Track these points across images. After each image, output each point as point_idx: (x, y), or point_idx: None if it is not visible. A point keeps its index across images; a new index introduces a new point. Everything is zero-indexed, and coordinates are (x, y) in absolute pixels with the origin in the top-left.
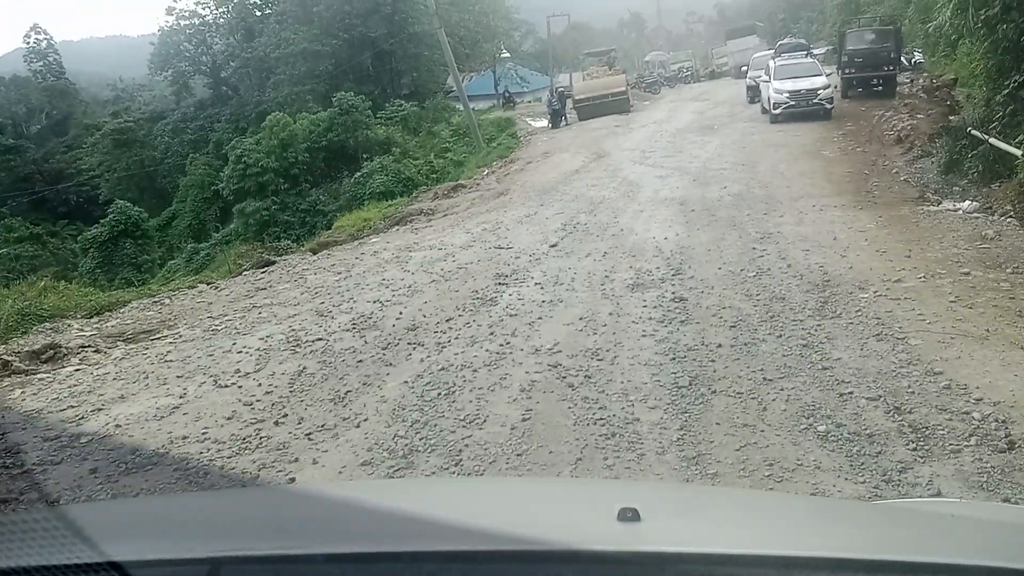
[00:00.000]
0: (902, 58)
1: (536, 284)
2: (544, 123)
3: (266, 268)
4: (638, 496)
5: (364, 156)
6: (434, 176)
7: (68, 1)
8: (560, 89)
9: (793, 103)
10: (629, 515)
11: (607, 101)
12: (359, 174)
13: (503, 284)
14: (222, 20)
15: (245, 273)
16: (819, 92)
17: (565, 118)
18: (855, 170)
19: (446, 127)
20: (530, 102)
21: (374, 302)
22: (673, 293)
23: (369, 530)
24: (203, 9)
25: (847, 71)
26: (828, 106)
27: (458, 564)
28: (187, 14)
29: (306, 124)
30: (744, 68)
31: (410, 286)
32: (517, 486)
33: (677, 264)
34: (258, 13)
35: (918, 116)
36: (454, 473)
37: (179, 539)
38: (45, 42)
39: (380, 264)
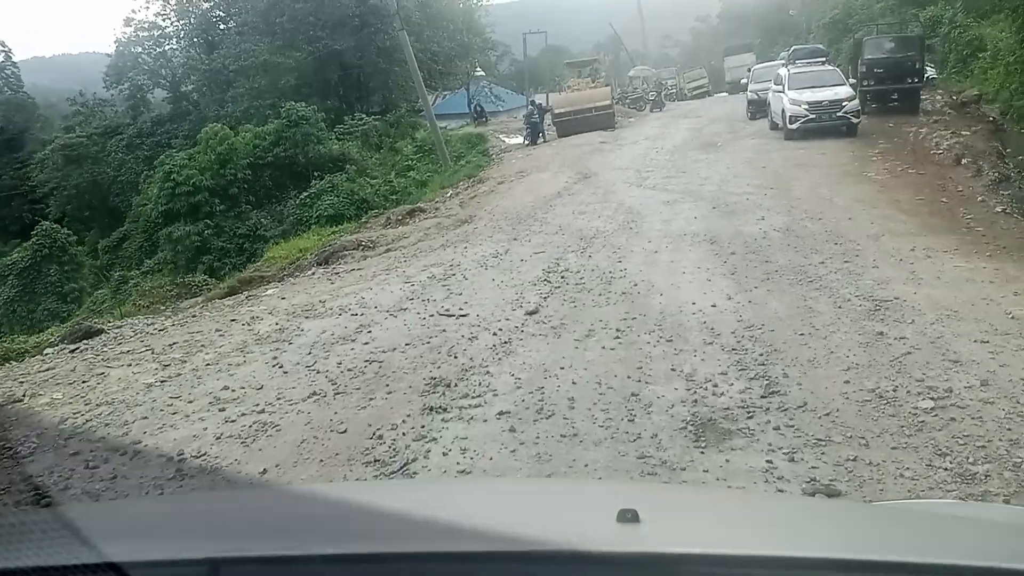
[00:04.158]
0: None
1: (501, 415)
2: (519, 140)
3: (80, 344)
4: (637, 497)
5: (315, 174)
6: (394, 197)
7: (42, 17)
8: (539, 102)
9: (813, 116)
10: (628, 516)
11: (590, 116)
12: (305, 195)
13: (439, 410)
14: (183, 32)
15: (48, 351)
16: (844, 104)
17: (543, 134)
18: (926, 197)
19: (410, 143)
20: (504, 120)
21: (168, 461)
22: (794, 462)
23: (369, 530)
24: (163, 20)
25: (866, 83)
26: (854, 120)
27: (458, 564)
28: (146, 25)
29: (249, 138)
30: (744, 81)
31: (263, 410)
32: (517, 487)
33: (757, 365)
34: (222, 27)
35: (963, 133)
36: None
37: (177, 539)
38: (2, 55)
39: (244, 346)
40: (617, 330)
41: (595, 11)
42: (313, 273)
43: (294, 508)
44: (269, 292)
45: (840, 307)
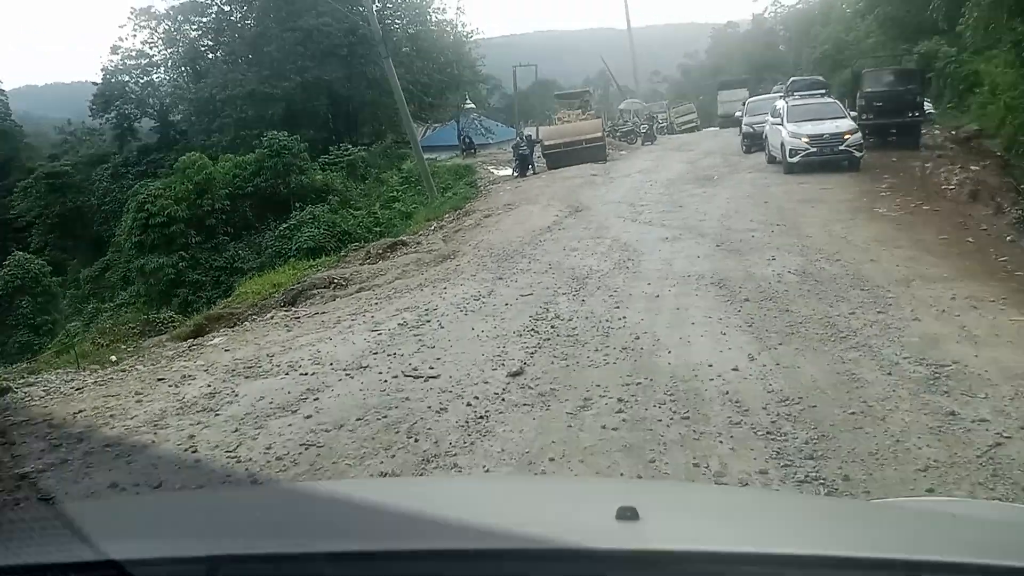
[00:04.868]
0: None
1: None
2: (508, 172)
3: None
4: (637, 495)
5: (297, 204)
6: (377, 229)
7: (36, 47)
8: (528, 133)
9: (814, 150)
10: (628, 514)
11: (581, 148)
12: (284, 226)
13: None
14: (170, 61)
15: None
16: (846, 137)
17: (533, 166)
18: (950, 236)
19: (396, 174)
20: (494, 152)
21: None
22: None
23: (368, 528)
24: (150, 49)
25: (865, 116)
26: (857, 154)
27: (458, 563)
28: (133, 54)
29: (229, 167)
30: (737, 115)
31: None
32: (517, 485)
33: (805, 460)
34: (210, 56)
35: (971, 168)
36: None
37: (177, 538)
38: None
39: (160, 419)
40: (619, 400)
41: (585, 46)
42: (271, 317)
43: (294, 506)
44: (215, 341)
45: (890, 374)
